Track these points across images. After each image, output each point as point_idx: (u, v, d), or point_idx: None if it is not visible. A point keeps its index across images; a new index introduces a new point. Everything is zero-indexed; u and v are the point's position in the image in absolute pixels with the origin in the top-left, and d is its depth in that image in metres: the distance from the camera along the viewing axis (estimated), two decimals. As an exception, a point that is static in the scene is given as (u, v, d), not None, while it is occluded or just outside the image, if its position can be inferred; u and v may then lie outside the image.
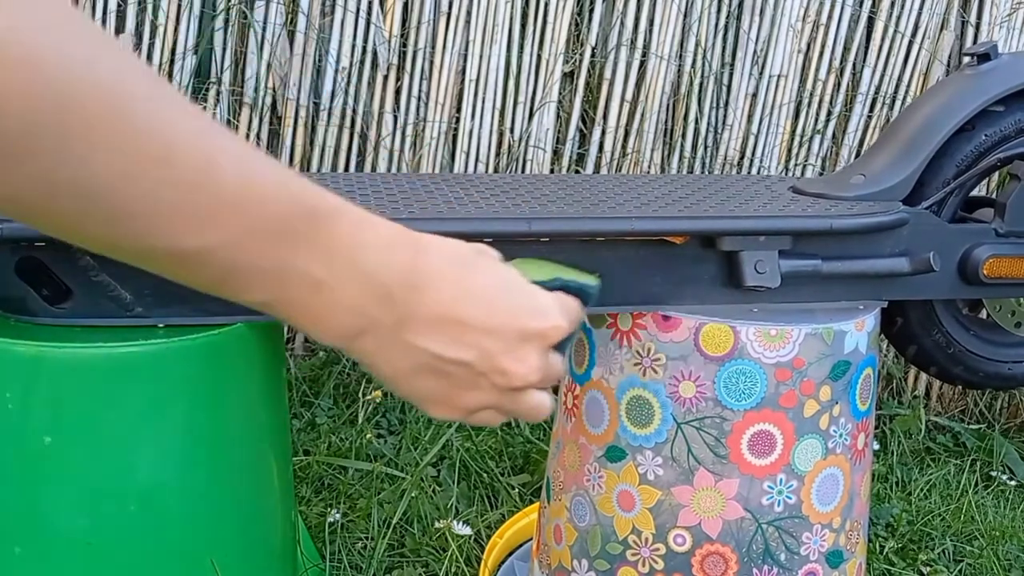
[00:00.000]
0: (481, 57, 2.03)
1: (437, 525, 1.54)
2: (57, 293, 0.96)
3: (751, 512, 1.04)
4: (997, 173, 1.74)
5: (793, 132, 2.12)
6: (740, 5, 2.06)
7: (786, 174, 2.13)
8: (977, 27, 2.11)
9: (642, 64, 2.06)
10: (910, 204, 1.16)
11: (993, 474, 1.93)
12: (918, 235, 1.13)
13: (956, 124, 1.19)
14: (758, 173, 2.12)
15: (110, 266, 0.94)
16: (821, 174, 2.16)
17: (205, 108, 1.99)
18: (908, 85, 2.11)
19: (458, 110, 2.06)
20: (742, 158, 2.12)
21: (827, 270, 1.09)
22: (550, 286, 0.61)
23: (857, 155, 2.15)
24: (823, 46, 2.08)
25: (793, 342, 1.02)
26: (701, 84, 2.08)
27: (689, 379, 1.02)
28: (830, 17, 2.07)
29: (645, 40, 2.06)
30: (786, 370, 1.02)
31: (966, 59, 1.29)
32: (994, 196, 1.46)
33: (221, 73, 1.99)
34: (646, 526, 1.06)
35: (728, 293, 1.07)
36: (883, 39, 2.10)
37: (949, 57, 2.13)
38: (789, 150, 2.12)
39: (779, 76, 2.08)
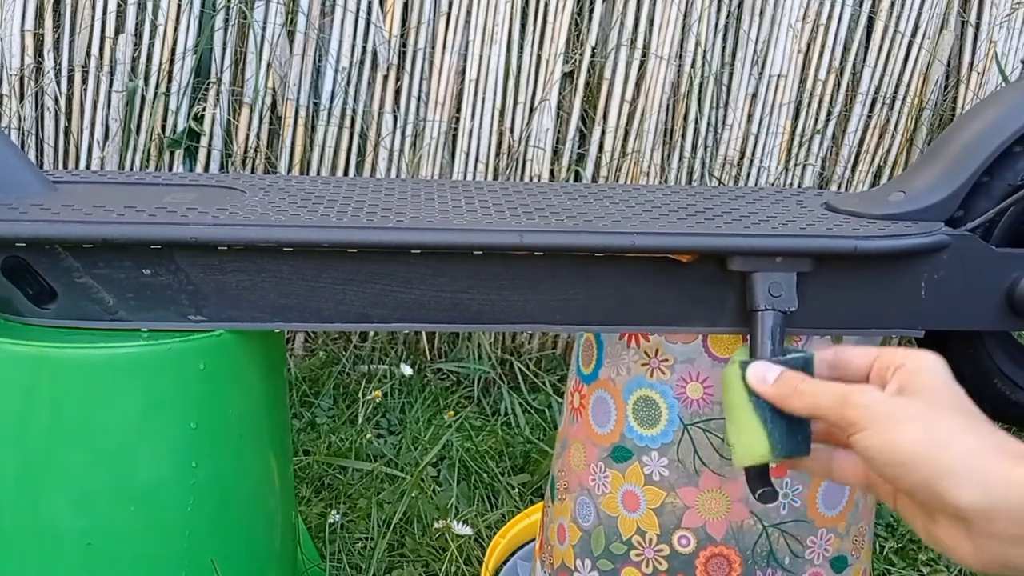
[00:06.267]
0: (481, 57, 2.02)
1: (437, 525, 1.53)
2: (42, 293, 0.95)
3: (756, 515, 1.03)
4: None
5: (793, 132, 2.12)
6: (740, 5, 2.06)
7: (786, 174, 2.12)
8: (977, 27, 2.11)
9: (642, 64, 2.06)
10: (954, 226, 1.05)
11: (993, 475, 1.93)
12: (960, 260, 1.03)
13: (1010, 138, 1.06)
14: (771, 179, 2.12)
15: (94, 269, 0.93)
16: (821, 174, 2.16)
17: (205, 108, 1.99)
18: (908, 85, 2.11)
19: (458, 110, 2.06)
20: (742, 158, 2.12)
21: None
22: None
23: (857, 155, 2.15)
24: (823, 46, 2.08)
25: (801, 345, 1.01)
26: (701, 84, 2.08)
27: (697, 380, 1.01)
28: (830, 17, 2.07)
29: (645, 40, 2.05)
30: None
31: (1021, 67, 1.16)
32: None
33: (221, 73, 1.98)
34: (650, 527, 1.05)
35: (743, 316, 0.99)
36: (883, 39, 2.10)
37: (949, 57, 2.13)
38: (789, 150, 2.12)
39: (779, 76, 2.08)
